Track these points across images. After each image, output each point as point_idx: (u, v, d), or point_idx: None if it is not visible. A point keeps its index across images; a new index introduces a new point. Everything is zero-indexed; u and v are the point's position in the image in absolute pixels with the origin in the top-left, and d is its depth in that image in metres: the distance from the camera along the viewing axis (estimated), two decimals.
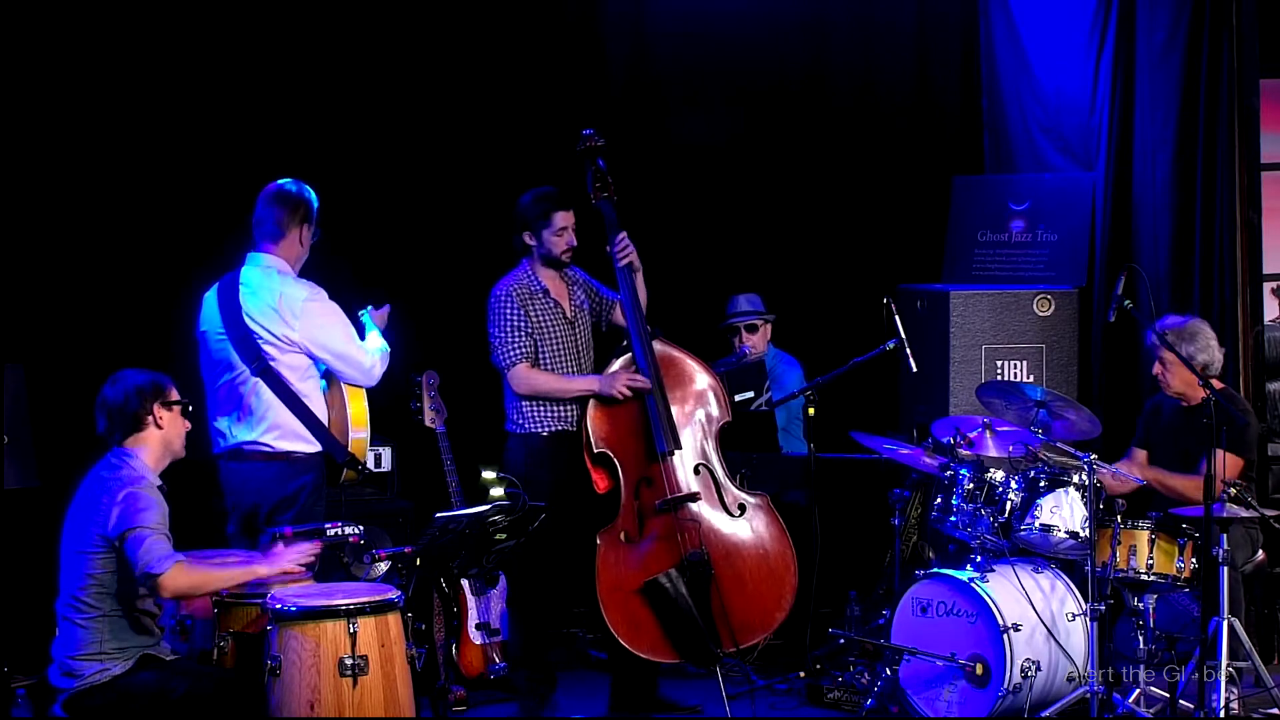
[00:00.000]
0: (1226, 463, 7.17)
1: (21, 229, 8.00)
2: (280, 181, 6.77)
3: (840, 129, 9.48)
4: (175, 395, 6.06)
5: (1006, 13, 9.20)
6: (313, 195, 6.78)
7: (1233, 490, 6.86)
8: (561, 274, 7.26)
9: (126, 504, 5.82)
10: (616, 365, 7.18)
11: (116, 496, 5.83)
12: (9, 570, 7.21)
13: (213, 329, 6.67)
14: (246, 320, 6.58)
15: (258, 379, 6.57)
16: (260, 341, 6.58)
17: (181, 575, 5.77)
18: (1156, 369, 7.39)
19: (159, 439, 6.00)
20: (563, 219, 7.18)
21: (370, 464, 6.87)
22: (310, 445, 6.63)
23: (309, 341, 6.61)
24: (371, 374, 6.75)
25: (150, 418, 5.97)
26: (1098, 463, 6.91)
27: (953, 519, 7.15)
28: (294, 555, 6.03)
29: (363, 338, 6.86)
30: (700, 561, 6.91)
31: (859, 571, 8.01)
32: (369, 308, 6.99)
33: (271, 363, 6.58)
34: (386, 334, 6.94)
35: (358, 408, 6.78)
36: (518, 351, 7.10)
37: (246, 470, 6.60)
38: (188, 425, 6.12)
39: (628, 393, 7.03)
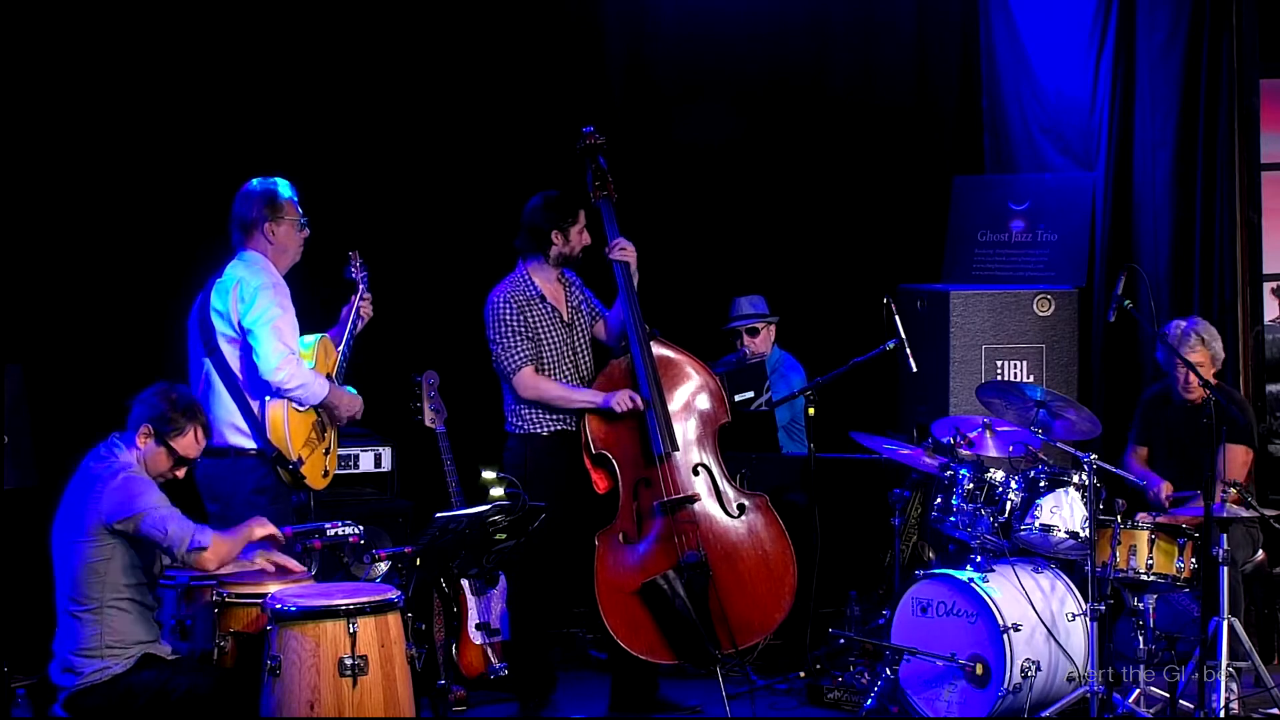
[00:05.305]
0: (1239, 454, 7.19)
1: (21, 230, 7.99)
2: (250, 182, 6.79)
3: (841, 129, 9.47)
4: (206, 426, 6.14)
5: (1006, 13, 9.20)
6: (280, 191, 6.75)
7: (1233, 491, 6.87)
8: (559, 277, 7.26)
9: (124, 489, 5.86)
10: (617, 367, 7.17)
11: (110, 483, 5.87)
12: (8, 570, 7.20)
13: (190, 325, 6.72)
14: (211, 308, 6.60)
15: (210, 369, 6.58)
16: (216, 328, 6.59)
17: (220, 544, 5.91)
18: (1185, 373, 7.32)
19: (166, 456, 6.03)
20: (583, 216, 7.20)
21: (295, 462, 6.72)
22: (250, 440, 6.59)
23: (238, 314, 6.56)
24: (273, 373, 6.53)
25: (181, 436, 6.03)
26: (1099, 462, 6.92)
27: (953, 519, 7.14)
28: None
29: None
30: (697, 563, 6.90)
31: (859, 571, 8.00)
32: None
33: (222, 349, 6.57)
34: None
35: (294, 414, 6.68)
36: (522, 356, 7.08)
37: (204, 465, 6.51)
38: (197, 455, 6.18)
39: (629, 407, 7.02)
